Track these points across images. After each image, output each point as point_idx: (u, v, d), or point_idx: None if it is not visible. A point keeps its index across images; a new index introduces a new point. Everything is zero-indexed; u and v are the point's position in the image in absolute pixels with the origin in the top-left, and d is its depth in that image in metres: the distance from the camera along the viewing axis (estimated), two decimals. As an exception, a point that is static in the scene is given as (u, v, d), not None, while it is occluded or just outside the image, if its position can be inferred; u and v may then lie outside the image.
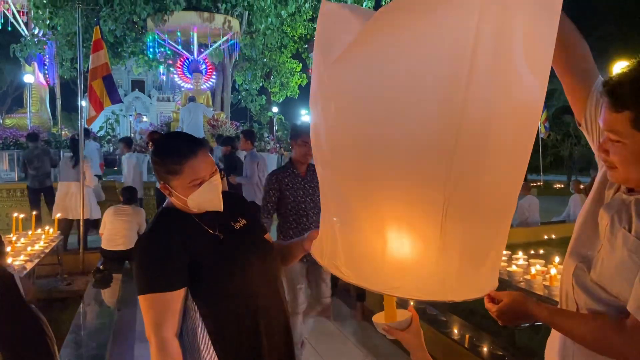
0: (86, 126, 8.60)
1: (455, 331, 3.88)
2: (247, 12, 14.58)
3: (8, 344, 1.47)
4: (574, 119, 1.45)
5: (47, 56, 14.75)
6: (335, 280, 3.98)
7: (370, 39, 1.06)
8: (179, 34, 13.87)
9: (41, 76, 14.54)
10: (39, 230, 5.69)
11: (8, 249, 4.41)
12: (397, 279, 1.12)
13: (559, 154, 27.60)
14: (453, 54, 0.97)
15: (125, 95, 29.73)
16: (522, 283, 3.70)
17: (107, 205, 6.68)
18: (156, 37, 13.70)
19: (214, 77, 16.07)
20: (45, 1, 12.54)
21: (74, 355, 3.33)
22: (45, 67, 15.01)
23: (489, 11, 0.94)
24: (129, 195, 5.89)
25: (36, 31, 13.90)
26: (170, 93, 30.46)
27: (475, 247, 1.12)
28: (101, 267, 5.55)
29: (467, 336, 3.80)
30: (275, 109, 21.73)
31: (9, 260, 3.97)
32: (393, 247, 1.10)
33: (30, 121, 13.21)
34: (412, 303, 2.54)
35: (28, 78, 13.84)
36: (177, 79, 16.43)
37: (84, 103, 6.98)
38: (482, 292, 1.22)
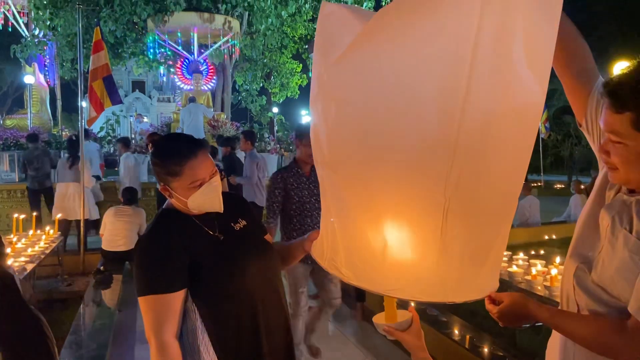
0: (86, 127, 8.61)
1: (456, 332, 3.88)
2: (247, 13, 14.59)
3: (8, 345, 1.47)
4: (575, 119, 1.44)
5: (48, 57, 14.76)
6: (335, 280, 3.97)
7: (370, 40, 1.06)
8: (179, 34, 13.87)
9: (41, 77, 14.54)
10: (39, 231, 5.69)
11: (8, 250, 4.41)
12: (398, 280, 1.11)
13: (559, 154, 27.61)
14: (453, 55, 0.97)
15: (126, 96, 29.72)
16: (522, 284, 3.70)
17: (108, 206, 6.68)
18: (156, 37, 13.69)
19: (214, 79, 16.08)
20: (45, 2, 12.55)
21: (74, 356, 3.33)
22: (46, 68, 15.02)
23: (489, 11, 0.94)
24: (130, 196, 5.89)
25: (36, 32, 13.90)
26: (170, 94, 30.45)
27: (475, 248, 1.11)
28: (101, 267, 5.55)
29: (467, 337, 3.79)
30: (275, 110, 21.71)
31: (10, 261, 3.97)
32: (393, 248, 1.10)
33: (31, 122, 13.21)
34: (412, 304, 2.54)
35: (28, 79, 13.85)
36: (177, 80, 16.44)
37: (84, 104, 6.99)
38: (482, 293, 1.22)
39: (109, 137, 12.11)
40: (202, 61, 14.97)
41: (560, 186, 21.11)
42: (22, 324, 1.48)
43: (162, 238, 1.55)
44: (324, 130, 1.20)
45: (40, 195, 8.10)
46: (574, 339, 1.26)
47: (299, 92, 19.42)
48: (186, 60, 15.41)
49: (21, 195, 9.21)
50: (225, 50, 14.94)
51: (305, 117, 22.68)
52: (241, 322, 1.55)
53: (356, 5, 11.12)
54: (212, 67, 15.97)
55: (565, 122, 24.44)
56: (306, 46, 17.74)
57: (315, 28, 1.31)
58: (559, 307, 1.41)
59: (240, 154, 8.25)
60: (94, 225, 7.95)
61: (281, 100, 19.98)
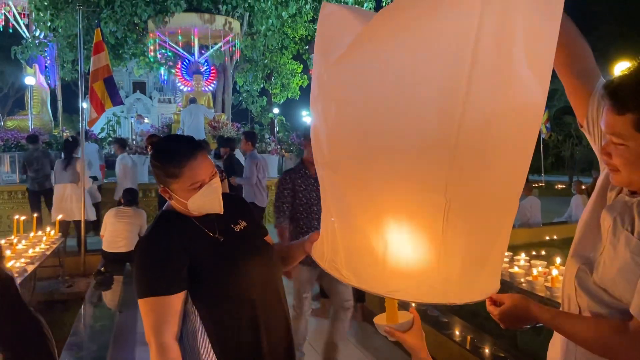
0: (87, 128, 8.62)
1: (457, 333, 3.87)
2: (247, 14, 14.60)
3: (8, 346, 1.47)
4: (576, 119, 1.44)
5: (48, 58, 14.79)
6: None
7: (371, 40, 1.05)
8: (179, 35, 13.87)
9: (42, 78, 14.57)
10: (40, 232, 5.69)
11: (9, 252, 4.41)
12: (398, 282, 1.11)
13: (560, 155, 27.58)
14: (453, 55, 0.96)
15: (127, 96, 29.77)
16: (523, 284, 3.69)
17: (108, 207, 6.68)
18: (157, 40, 13.70)
19: (214, 83, 16.09)
20: (46, 3, 12.57)
21: (75, 357, 3.33)
22: (47, 69, 15.05)
23: (490, 11, 0.94)
24: (130, 197, 5.88)
25: (37, 33, 13.93)
26: (171, 94, 30.49)
27: (476, 249, 1.11)
28: (102, 269, 5.55)
29: (468, 338, 3.79)
30: (276, 110, 21.74)
31: (11, 262, 3.97)
32: (394, 250, 1.10)
33: (32, 123, 13.24)
34: (413, 304, 2.53)
35: (29, 80, 13.88)
36: (178, 81, 16.46)
37: (85, 105, 6.99)
38: (484, 294, 1.21)
39: (110, 138, 12.13)
40: (202, 62, 14.97)
41: (561, 186, 21.11)
42: (22, 325, 1.48)
43: (162, 240, 1.55)
44: (324, 131, 1.20)
45: (40, 197, 8.11)
46: (576, 341, 1.25)
47: (299, 92, 19.44)
48: (185, 60, 15.41)
49: (22, 197, 9.22)
50: (227, 52, 14.95)
51: (306, 117, 22.71)
52: (241, 323, 1.55)
53: (356, 6, 11.14)
54: (213, 69, 15.98)
55: (566, 123, 24.41)
56: (307, 47, 17.76)
57: (315, 29, 1.31)
58: (560, 309, 1.40)
59: (241, 155, 8.27)
60: (91, 227, 7.97)
61: (282, 101, 20.00)
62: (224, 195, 1.63)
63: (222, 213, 1.62)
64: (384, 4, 13.62)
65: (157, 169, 1.57)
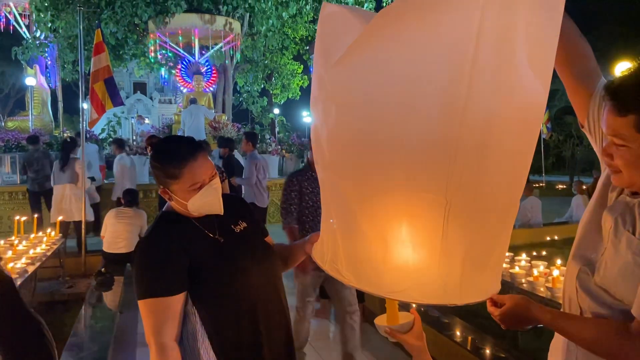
0: (88, 128, 8.62)
1: (458, 333, 3.86)
2: (248, 14, 14.61)
3: (8, 347, 1.46)
4: (576, 119, 1.43)
5: (49, 59, 14.80)
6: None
7: (371, 41, 1.05)
8: (180, 36, 13.89)
9: (43, 79, 14.58)
10: (41, 233, 5.69)
11: (9, 252, 4.41)
12: (399, 283, 1.11)
13: (561, 155, 27.56)
14: (455, 55, 0.96)
15: (127, 97, 29.77)
16: (524, 285, 3.68)
17: (108, 208, 6.68)
18: (157, 40, 13.71)
19: (214, 85, 16.09)
20: (46, 4, 12.58)
21: (75, 358, 3.32)
22: (47, 70, 15.06)
23: (491, 12, 0.94)
24: (130, 198, 5.88)
25: (38, 34, 13.94)
26: (172, 95, 30.51)
27: (477, 249, 1.11)
28: (103, 269, 5.55)
29: (469, 338, 3.78)
30: (276, 111, 21.74)
31: (11, 264, 3.97)
32: (394, 251, 1.09)
33: (32, 124, 13.25)
34: (414, 305, 2.53)
35: (30, 81, 13.90)
36: (178, 82, 16.47)
37: (85, 106, 6.99)
38: (484, 295, 1.21)
39: (111, 139, 12.13)
40: (203, 62, 14.98)
41: (561, 187, 21.09)
42: (22, 326, 1.47)
43: (162, 241, 1.55)
44: (324, 132, 1.20)
45: (40, 197, 8.12)
46: (577, 342, 1.25)
47: (300, 93, 19.44)
48: (185, 60, 15.40)
49: (22, 197, 9.23)
50: (228, 52, 14.95)
51: (306, 118, 22.72)
52: (241, 324, 1.54)
53: (357, 6, 11.13)
54: (215, 71, 15.98)
55: (566, 123, 24.41)
56: (307, 47, 17.77)
57: (316, 29, 1.31)
58: (561, 310, 1.40)
59: (241, 156, 8.28)
60: (92, 227, 7.98)
61: (282, 101, 20.01)
62: (224, 196, 1.63)
63: (222, 214, 1.62)
64: (384, 4, 13.62)
65: (156, 169, 1.57)
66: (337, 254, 1.22)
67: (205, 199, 1.55)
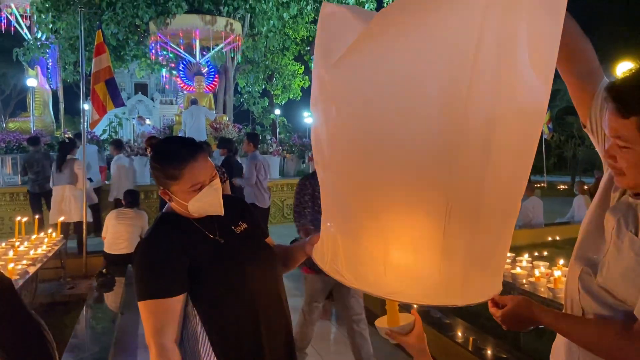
0: (89, 129, 8.63)
1: (459, 334, 3.86)
2: (249, 15, 14.61)
3: (7, 348, 1.46)
4: (578, 119, 1.43)
5: (50, 60, 14.81)
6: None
7: (372, 41, 1.04)
8: (181, 37, 13.89)
9: (44, 80, 14.60)
10: (42, 234, 5.69)
11: (10, 253, 4.41)
12: (399, 284, 1.10)
13: (562, 155, 27.53)
14: (456, 55, 0.96)
15: (128, 98, 29.76)
16: (526, 285, 3.67)
17: (109, 209, 6.68)
18: (158, 41, 13.72)
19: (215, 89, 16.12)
20: (48, 5, 12.59)
21: (76, 359, 3.33)
22: (48, 71, 15.08)
23: (492, 11, 0.93)
24: (131, 199, 5.88)
25: (39, 35, 13.95)
26: (173, 96, 30.52)
27: (478, 250, 1.10)
28: (104, 270, 5.55)
29: (471, 339, 3.77)
30: (277, 112, 21.76)
31: (12, 265, 3.97)
32: (395, 251, 1.09)
33: (34, 125, 13.27)
34: (415, 306, 2.52)
35: (31, 82, 13.92)
36: (180, 82, 16.49)
37: (86, 106, 7.00)
38: (485, 296, 1.20)
39: (111, 140, 12.15)
40: (204, 63, 14.98)
41: (563, 187, 21.06)
42: (22, 327, 1.47)
43: (162, 242, 1.54)
44: (324, 132, 1.19)
45: (41, 198, 8.13)
46: (579, 343, 1.24)
47: (301, 93, 19.45)
48: (183, 62, 15.40)
49: (24, 198, 9.24)
50: (231, 53, 14.96)
51: (307, 119, 22.72)
52: (242, 326, 1.54)
53: (357, 6, 11.13)
54: (216, 77, 15.98)
55: (568, 123, 24.38)
56: (308, 48, 17.77)
57: (316, 30, 1.30)
58: (563, 311, 1.39)
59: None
60: (92, 228, 7.98)
61: (283, 102, 20.02)
62: (224, 197, 1.62)
63: (222, 214, 1.61)
64: (385, 4, 13.62)
65: (156, 170, 1.56)
66: (337, 254, 1.21)
67: (205, 200, 1.54)
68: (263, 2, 13.91)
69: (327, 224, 1.30)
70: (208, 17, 13.33)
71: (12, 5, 14.83)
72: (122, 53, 14.17)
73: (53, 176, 7.29)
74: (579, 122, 1.43)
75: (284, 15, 14.47)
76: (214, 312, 1.52)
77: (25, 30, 15.22)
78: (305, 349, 3.58)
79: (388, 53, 1.02)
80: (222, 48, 14.75)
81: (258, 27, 14.77)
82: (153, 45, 13.69)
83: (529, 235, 8.12)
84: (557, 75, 1.19)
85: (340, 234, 1.21)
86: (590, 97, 1.34)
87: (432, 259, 1.07)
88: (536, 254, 5.12)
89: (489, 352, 3.52)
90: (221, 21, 13.47)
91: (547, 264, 4.01)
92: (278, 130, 19.64)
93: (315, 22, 15.73)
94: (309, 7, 14.99)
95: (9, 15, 14.95)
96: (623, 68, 9.71)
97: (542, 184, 18.52)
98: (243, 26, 14.61)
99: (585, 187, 9.55)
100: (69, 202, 7.08)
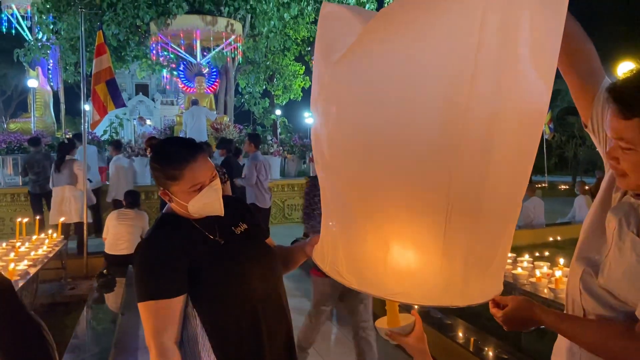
0: (89, 130, 8.63)
1: (460, 334, 3.85)
2: (250, 16, 14.62)
3: (7, 350, 1.46)
4: (579, 119, 1.42)
5: (51, 60, 14.82)
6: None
7: (372, 40, 1.04)
8: (182, 37, 13.90)
9: (45, 81, 14.61)
10: (43, 235, 5.69)
11: (11, 254, 4.41)
12: (400, 285, 1.10)
13: (563, 155, 27.49)
14: (456, 55, 0.95)
15: (129, 99, 29.75)
16: (527, 286, 3.67)
17: (109, 209, 6.68)
18: (159, 41, 13.72)
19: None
20: (48, 6, 12.60)
21: (77, 359, 3.33)
22: (49, 72, 15.09)
23: (493, 11, 0.93)
24: (132, 199, 5.88)
25: (40, 36, 13.96)
26: (174, 97, 30.52)
27: (479, 251, 1.10)
28: (105, 271, 5.55)
29: (472, 340, 3.77)
30: (278, 112, 21.76)
31: (12, 265, 3.97)
32: (395, 252, 1.08)
33: (34, 125, 13.27)
34: (416, 307, 2.52)
35: (32, 82, 13.93)
36: (180, 84, 16.50)
37: (87, 107, 7.00)
38: (486, 297, 1.20)
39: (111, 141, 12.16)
40: (205, 64, 14.98)
41: (564, 187, 21.01)
42: (22, 329, 1.47)
43: (162, 243, 1.54)
44: (324, 132, 1.19)
45: (42, 199, 8.13)
46: (580, 344, 1.24)
47: (301, 94, 19.46)
48: (183, 63, 15.40)
49: (25, 199, 9.25)
50: (228, 53, 14.96)
51: (308, 119, 22.71)
52: (242, 326, 1.53)
53: (357, 6, 11.13)
54: (217, 81, 15.98)
55: (569, 123, 24.36)
56: (309, 48, 17.78)
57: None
58: (564, 311, 1.39)
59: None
60: (93, 229, 7.99)
61: (284, 102, 20.03)
62: (224, 197, 1.62)
63: (222, 215, 1.61)
64: (386, 4, 13.61)
65: (156, 171, 1.56)
66: (338, 255, 1.21)
67: (205, 200, 1.54)
68: (264, 2, 13.91)
69: (327, 224, 1.29)
70: (209, 18, 13.33)
71: (13, 6, 14.84)
72: (122, 54, 14.19)
73: (52, 177, 7.30)
74: (580, 122, 1.43)
75: (285, 15, 14.48)
76: (214, 313, 1.52)
77: (26, 30, 15.23)
78: (308, 349, 3.57)
79: (388, 53, 1.02)
80: (222, 48, 14.75)
81: (259, 27, 14.78)
82: (154, 45, 13.69)
83: (530, 235, 8.11)
84: (558, 75, 1.18)
85: (340, 235, 1.20)
86: (591, 97, 1.33)
87: (432, 259, 1.06)
88: (537, 254, 5.11)
89: (490, 352, 3.51)
90: (222, 22, 13.47)
91: (548, 264, 4.01)
92: (279, 130, 19.64)
93: (315, 22, 15.72)
94: (309, 8, 14.99)
95: (9, 16, 14.96)
96: (623, 68, 9.71)
97: (543, 184, 18.51)
98: (244, 27, 14.61)
99: (587, 187, 9.53)
100: (69, 203, 7.08)
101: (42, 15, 12.75)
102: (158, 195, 7.68)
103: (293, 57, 18.55)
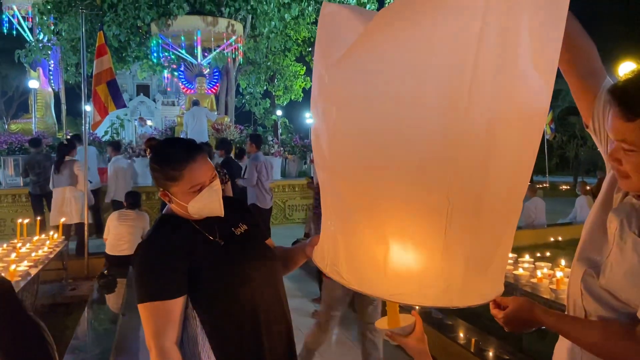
0: (90, 131, 8.64)
1: (461, 335, 3.85)
2: (250, 16, 14.63)
3: (8, 351, 1.46)
4: (580, 119, 1.42)
5: (52, 61, 14.83)
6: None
7: (372, 41, 1.04)
8: (182, 38, 13.93)
9: (46, 81, 14.62)
10: (44, 236, 5.69)
11: (13, 255, 4.41)
12: (400, 285, 1.09)
13: (564, 155, 27.50)
14: (457, 55, 0.95)
15: (130, 99, 29.77)
16: (528, 287, 3.66)
17: (109, 210, 6.68)
18: (160, 41, 13.74)
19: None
20: (49, 7, 12.62)
21: (77, 360, 3.32)
22: (50, 73, 15.10)
23: (493, 11, 0.92)
24: (132, 200, 5.88)
25: (41, 37, 13.98)
26: (175, 97, 30.54)
27: (480, 251, 1.09)
28: (105, 272, 5.55)
29: (473, 340, 3.76)
30: (279, 112, 21.78)
31: (13, 266, 3.97)
32: (396, 253, 1.08)
33: (36, 126, 13.28)
34: (416, 307, 2.51)
35: (33, 83, 13.94)
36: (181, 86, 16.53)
37: (88, 108, 7.00)
38: (487, 297, 1.19)
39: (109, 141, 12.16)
40: (205, 64, 14.99)
41: (565, 187, 21.01)
42: (22, 330, 1.46)
43: (161, 244, 1.54)
44: (324, 133, 1.18)
45: (42, 200, 8.14)
46: (581, 345, 1.23)
47: (302, 94, 19.49)
48: (183, 64, 15.42)
49: (26, 200, 9.26)
50: (229, 53, 14.98)
51: (309, 120, 22.72)
52: (242, 327, 1.53)
53: (357, 6, 11.12)
54: (217, 85, 16.00)
55: (570, 123, 24.36)
56: (309, 49, 17.80)
57: (319, 30, 1.30)
58: (566, 312, 1.38)
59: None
60: (94, 230, 7.99)
61: (285, 103, 20.06)
62: (224, 198, 1.62)
63: (222, 216, 1.60)
64: (386, 4, 13.62)
65: (156, 172, 1.56)
66: (338, 256, 1.20)
67: (205, 201, 1.54)
68: (264, 3, 13.92)
69: (327, 224, 1.29)
70: (209, 19, 13.35)
71: (14, 7, 14.85)
72: (123, 54, 14.20)
73: (52, 178, 7.30)
74: (581, 123, 1.42)
75: (286, 16, 14.49)
76: (213, 314, 1.52)
77: (27, 31, 15.24)
78: (316, 350, 3.52)
79: (388, 53, 1.01)
80: (223, 49, 14.77)
81: (259, 28, 14.79)
82: (155, 43, 13.70)
83: (531, 235, 8.10)
84: (559, 75, 1.18)
85: (340, 235, 1.20)
86: (592, 97, 1.32)
87: (433, 260, 1.06)
88: (538, 254, 5.10)
89: (491, 353, 3.50)
90: (223, 22, 13.48)
91: (550, 264, 4.00)
92: (280, 131, 19.66)
93: (316, 23, 15.71)
94: (310, 8, 15.01)
95: (10, 17, 14.98)
96: (624, 68, 9.69)
97: (545, 185, 18.51)
98: (244, 27, 14.62)
99: (588, 187, 9.52)
100: (69, 204, 7.09)
101: (43, 16, 12.76)
102: (159, 196, 7.67)
103: (294, 58, 18.58)
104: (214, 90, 15.48)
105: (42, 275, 5.07)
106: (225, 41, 13.90)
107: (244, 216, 1.72)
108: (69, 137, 11.15)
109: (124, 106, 7.09)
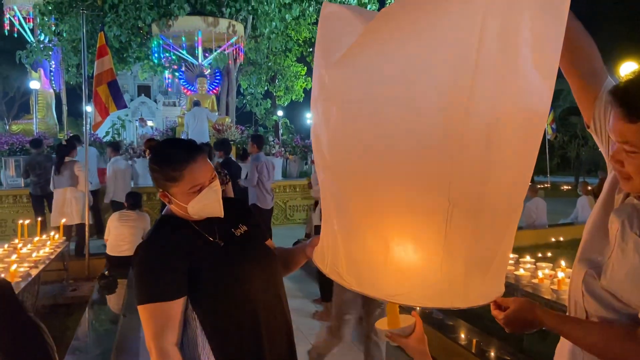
0: (91, 132, 8.65)
1: (462, 336, 3.84)
2: (251, 17, 14.64)
3: (8, 352, 1.46)
4: (581, 119, 1.41)
5: (53, 62, 14.85)
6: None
7: (372, 41, 1.04)
8: (183, 39, 13.94)
9: (47, 82, 14.64)
10: (45, 236, 5.69)
11: (14, 255, 4.41)
12: (400, 286, 1.09)
13: (566, 156, 27.47)
14: (457, 56, 0.95)
15: (132, 100, 29.78)
16: (529, 287, 3.66)
17: (109, 211, 6.68)
18: (161, 42, 13.74)
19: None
20: (50, 8, 12.63)
21: (78, 361, 3.32)
22: (51, 73, 15.12)
23: (494, 11, 0.92)
24: (133, 201, 5.88)
25: (42, 37, 14.00)
26: (176, 98, 30.56)
27: (480, 252, 1.09)
28: (106, 272, 5.55)
29: (474, 341, 3.76)
30: (280, 113, 21.79)
31: (14, 266, 3.97)
32: (396, 253, 1.08)
33: (37, 127, 13.29)
34: (417, 308, 2.51)
35: (34, 84, 13.95)
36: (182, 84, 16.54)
37: (89, 109, 7.01)
38: (488, 298, 1.19)
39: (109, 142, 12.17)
40: (206, 65, 15.00)
41: (566, 187, 20.99)
42: (22, 330, 1.47)
43: (161, 245, 1.53)
44: (324, 133, 1.18)
45: (43, 201, 8.14)
46: (582, 346, 1.23)
47: (303, 95, 19.49)
48: (183, 64, 15.43)
49: (27, 200, 9.26)
50: (230, 54, 14.99)
51: (310, 120, 22.72)
52: (242, 329, 1.53)
53: (358, 6, 11.12)
54: (217, 88, 16.00)
55: (571, 123, 24.34)
56: (310, 49, 17.80)
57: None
58: (567, 313, 1.38)
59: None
60: (94, 230, 7.99)
61: (286, 103, 20.06)
62: (224, 199, 1.61)
63: (222, 216, 1.60)
64: (387, 4, 13.61)
65: (156, 172, 1.55)
66: (338, 256, 1.20)
67: (205, 202, 1.54)
68: (265, 3, 13.93)
69: (328, 225, 1.29)
70: (210, 19, 13.35)
71: (15, 8, 14.88)
72: (124, 55, 14.20)
73: (53, 179, 7.31)
74: (582, 123, 1.41)
75: (286, 16, 14.49)
76: (213, 316, 1.51)
77: (28, 32, 15.26)
78: (326, 355, 3.46)
79: (388, 53, 1.01)
80: (224, 50, 14.77)
81: (260, 28, 14.79)
82: (155, 43, 13.71)
83: (532, 236, 8.10)
84: (560, 75, 1.17)
85: (340, 236, 1.20)
86: (593, 97, 1.32)
87: (433, 260, 1.06)
88: (539, 255, 5.10)
89: (492, 354, 3.50)
90: (223, 23, 13.48)
91: (551, 265, 3.99)
92: (281, 131, 19.65)
93: (317, 23, 15.67)
94: (311, 9, 15.01)
95: (12, 18, 15.00)
96: (625, 68, 9.68)
97: (546, 185, 18.49)
98: (245, 28, 14.63)
99: (589, 187, 9.51)
100: (70, 205, 7.09)
101: (44, 17, 12.78)
102: (158, 196, 7.68)
103: (295, 58, 18.58)
104: (215, 91, 15.48)
105: (43, 276, 5.07)
106: (226, 42, 13.91)
107: (245, 217, 1.71)
108: (69, 136, 11.17)
109: (125, 107, 7.09)
